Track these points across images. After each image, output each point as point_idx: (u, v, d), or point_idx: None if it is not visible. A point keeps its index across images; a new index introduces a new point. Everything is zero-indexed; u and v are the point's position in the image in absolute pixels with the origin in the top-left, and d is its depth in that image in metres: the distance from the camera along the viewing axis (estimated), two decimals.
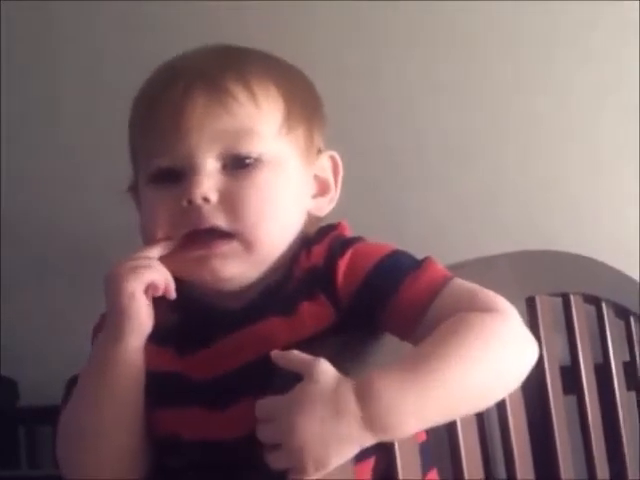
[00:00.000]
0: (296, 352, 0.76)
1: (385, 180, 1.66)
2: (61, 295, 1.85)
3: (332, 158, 0.96)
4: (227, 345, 0.88)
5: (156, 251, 0.89)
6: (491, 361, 0.78)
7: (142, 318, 0.88)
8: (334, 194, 0.96)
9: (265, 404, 0.75)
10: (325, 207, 0.95)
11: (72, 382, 0.93)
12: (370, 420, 0.72)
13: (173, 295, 0.89)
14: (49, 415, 1.01)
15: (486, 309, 0.81)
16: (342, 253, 0.88)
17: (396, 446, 0.80)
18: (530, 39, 1.59)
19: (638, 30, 1.52)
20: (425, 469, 0.89)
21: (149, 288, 0.87)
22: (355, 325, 0.85)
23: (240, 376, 0.87)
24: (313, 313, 0.86)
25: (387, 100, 1.67)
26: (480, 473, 0.94)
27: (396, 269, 0.86)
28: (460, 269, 0.96)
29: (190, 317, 0.92)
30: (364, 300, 0.85)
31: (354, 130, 1.64)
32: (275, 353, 0.77)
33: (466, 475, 0.92)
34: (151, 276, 0.87)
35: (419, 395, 0.74)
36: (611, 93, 1.55)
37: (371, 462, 0.85)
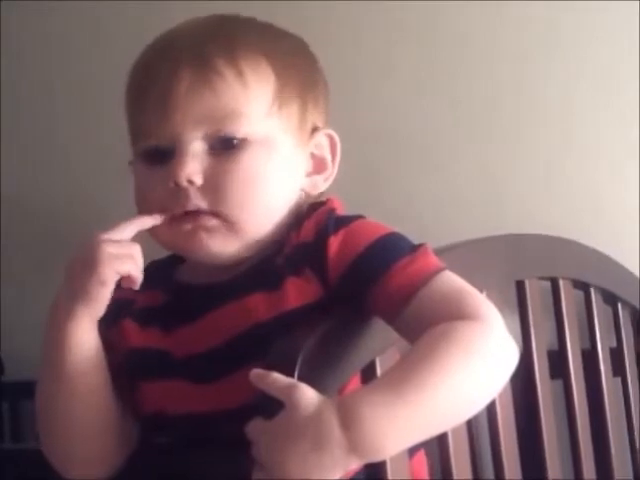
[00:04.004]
0: (275, 376, 0.74)
1: (386, 163, 1.65)
2: (46, 270, 1.84)
3: (330, 136, 0.95)
4: (211, 321, 0.88)
5: (134, 228, 0.88)
6: (475, 376, 0.78)
7: (101, 305, 0.86)
8: (331, 172, 0.95)
9: (253, 430, 0.74)
10: (320, 185, 0.95)
11: None
12: (355, 445, 0.71)
13: (136, 287, 0.87)
14: (32, 390, 1.01)
15: (470, 316, 0.80)
16: (336, 230, 0.87)
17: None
18: (533, 35, 1.59)
19: (638, 29, 1.51)
20: (412, 451, 0.89)
21: (122, 278, 0.86)
22: (342, 304, 0.85)
23: (226, 351, 0.87)
24: (298, 288, 0.86)
25: (392, 86, 1.66)
26: (466, 454, 0.94)
27: (389, 252, 0.85)
28: (452, 250, 0.96)
29: (175, 296, 0.92)
30: (353, 280, 0.85)
31: (356, 113, 1.63)
32: (254, 374, 0.75)
33: (452, 456, 0.92)
34: (129, 268, 0.86)
35: (404, 418, 0.73)
36: (613, 85, 1.55)
37: None
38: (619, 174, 1.54)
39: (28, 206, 1.90)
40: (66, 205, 1.86)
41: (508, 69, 1.60)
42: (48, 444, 0.91)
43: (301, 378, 0.75)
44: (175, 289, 0.93)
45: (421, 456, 0.96)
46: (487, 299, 0.85)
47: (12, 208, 1.88)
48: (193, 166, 0.86)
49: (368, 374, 0.83)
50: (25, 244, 1.90)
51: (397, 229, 0.89)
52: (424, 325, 0.79)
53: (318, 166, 0.95)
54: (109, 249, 0.85)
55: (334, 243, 0.86)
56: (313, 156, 0.95)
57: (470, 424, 0.96)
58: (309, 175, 0.94)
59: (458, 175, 1.62)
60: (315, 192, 0.94)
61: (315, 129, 0.94)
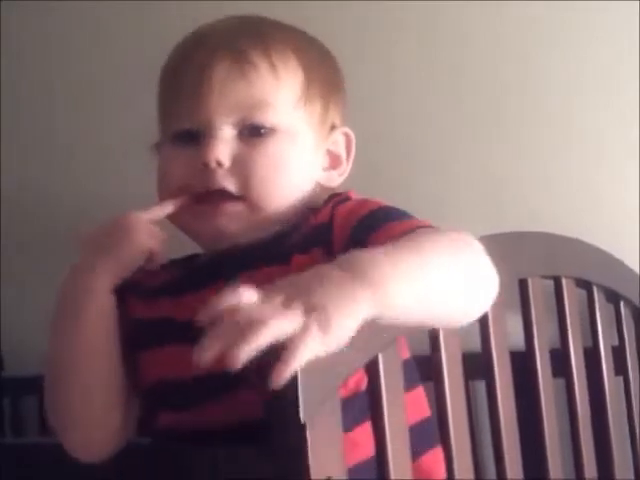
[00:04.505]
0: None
1: (386, 163, 1.65)
2: (46, 270, 1.84)
3: (346, 134, 1.02)
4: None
5: (166, 210, 0.95)
6: (460, 265, 0.79)
7: (124, 269, 0.93)
8: (345, 168, 1.01)
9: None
10: (335, 179, 1.01)
11: None
12: (359, 277, 0.68)
13: (155, 266, 0.96)
14: (33, 385, 1.02)
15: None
16: (342, 206, 0.92)
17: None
18: (533, 35, 1.59)
19: (638, 29, 1.51)
20: (423, 448, 0.89)
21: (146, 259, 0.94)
22: None
23: None
24: (303, 265, 0.86)
25: (392, 86, 1.67)
26: (468, 454, 0.94)
27: (390, 215, 0.89)
28: None
29: (186, 268, 0.98)
30: (354, 237, 0.88)
31: (355, 113, 1.62)
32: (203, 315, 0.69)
33: (454, 455, 0.92)
34: (156, 246, 0.94)
35: (398, 261, 0.72)
36: (613, 85, 1.55)
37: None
38: (619, 174, 1.54)
39: (28, 206, 1.90)
40: (66, 205, 1.86)
41: (508, 69, 1.60)
42: (53, 404, 0.94)
43: (302, 375, 0.73)
44: (189, 265, 0.98)
45: (437, 454, 0.95)
46: None
47: (12, 208, 1.88)
48: (223, 149, 0.92)
49: (371, 370, 0.83)
50: (25, 244, 1.90)
51: None
52: None
53: (334, 162, 1.01)
54: (146, 225, 0.93)
55: (338, 217, 0.90)
56: (329, 152, 1.00)
57: (472, 423, 0.96)
58: (325, 170, 1.00)
59: (458, 175, 1.62)
60: (330, 185, 0.99)
61: (333, 127, 1.00)
